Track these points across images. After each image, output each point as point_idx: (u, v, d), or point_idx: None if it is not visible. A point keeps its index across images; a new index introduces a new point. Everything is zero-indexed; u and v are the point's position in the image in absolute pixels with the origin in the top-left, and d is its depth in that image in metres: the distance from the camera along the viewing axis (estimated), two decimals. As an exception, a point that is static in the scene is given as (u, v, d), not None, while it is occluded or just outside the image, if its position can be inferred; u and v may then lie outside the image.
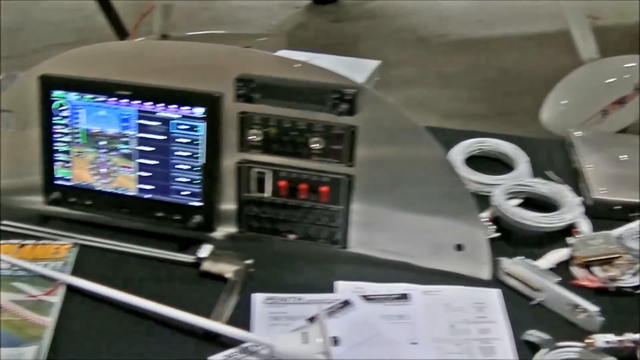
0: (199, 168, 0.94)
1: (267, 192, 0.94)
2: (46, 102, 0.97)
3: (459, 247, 0.91)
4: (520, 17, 2.94)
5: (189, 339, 0.83)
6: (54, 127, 0.98)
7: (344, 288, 0.90)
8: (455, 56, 2.71)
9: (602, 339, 0.79)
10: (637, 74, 1.92)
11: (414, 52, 2.73)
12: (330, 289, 0.90)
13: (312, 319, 0.82)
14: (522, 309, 0.87)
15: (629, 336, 0.80)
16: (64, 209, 1.01)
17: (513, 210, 0.98)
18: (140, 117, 0.95)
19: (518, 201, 1.03)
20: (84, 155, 0.98)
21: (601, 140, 1.20)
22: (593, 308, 0.83)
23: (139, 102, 0.94)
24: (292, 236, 0.96)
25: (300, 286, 0.90)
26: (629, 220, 0.99)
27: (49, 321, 0.85)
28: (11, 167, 1.03)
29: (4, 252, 0.95)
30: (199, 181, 0.95)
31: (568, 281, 0.89)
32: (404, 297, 0.88)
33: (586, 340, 0.80)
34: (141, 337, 0.84)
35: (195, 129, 0.93)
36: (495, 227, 0.97)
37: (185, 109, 0.93)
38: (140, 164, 0.97)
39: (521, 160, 1.11)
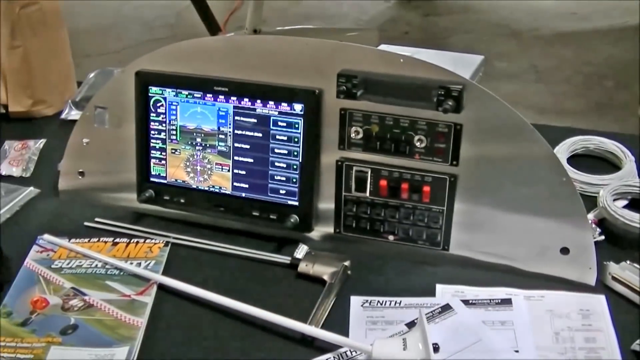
0: (297, 166, 0.92)
1: (368, 192, 0.92)
2: (143, 98, 0.97)
3: (565, 251, 0.87)
4: (616, 9, 2.86)
5: (284, 343, 0.82)
6: (151, 123, 0.98)
7: (444, 291, 0.87)
8: (549, 50, 2.64)
9: None
10: None
11: (507, 46, 2.68)
12: (429, 293, 0.87)
13: (410, 324, 0.80)
14: (631, 316, 0.83)
15: None
16: (157, 207, 1.01)
17: (622, 211, 0.94)
18: (236, 114, 0.93)
19: (624, 202, 0.99)
20: (179, 152, 0.98)
21: None
22: None
23: (236, 98, 0.93)
24: (391, 237, 0.93)
25: (398, 289, 0.88)
26: None
27: (142, 322, 0.84)
28: (105, 164, 1.03)
29: (97, 250, 0.95)
30: (297, 180, 0.93)
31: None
32: (506, 302, 0.85)
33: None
34: (234, 340, 0.83)
35: (294, 126, 0.91)
36: (599, 229, 0.94)
37: (284, 106, 0.91)
38: (236, 161, 0.95)
39: (627, 159, 1.08)
